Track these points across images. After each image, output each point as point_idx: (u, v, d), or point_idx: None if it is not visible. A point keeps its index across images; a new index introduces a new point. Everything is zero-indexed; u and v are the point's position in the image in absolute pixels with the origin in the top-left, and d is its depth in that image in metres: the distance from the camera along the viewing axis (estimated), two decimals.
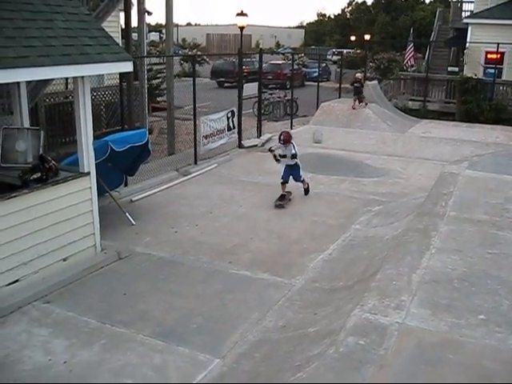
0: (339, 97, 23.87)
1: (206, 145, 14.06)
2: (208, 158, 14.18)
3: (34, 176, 7.63)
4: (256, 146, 15.86)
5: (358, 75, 21.57)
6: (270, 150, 11.28)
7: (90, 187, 7.96)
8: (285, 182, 11.15)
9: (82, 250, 7.88)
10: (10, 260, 6.96)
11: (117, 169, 10.16)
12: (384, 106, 21.88)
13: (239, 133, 15.78)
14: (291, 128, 18.99)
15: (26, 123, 8.83)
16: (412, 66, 29.85)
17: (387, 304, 5.60)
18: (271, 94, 22.95)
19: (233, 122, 15.36)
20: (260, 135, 17.02)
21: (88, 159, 7.89)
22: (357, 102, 20.21)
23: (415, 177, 13.33)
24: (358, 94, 20.34)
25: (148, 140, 9.81)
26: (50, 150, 11.17)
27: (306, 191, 11.61)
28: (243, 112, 16.10)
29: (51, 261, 7.50)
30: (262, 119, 17.85)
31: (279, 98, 22.83)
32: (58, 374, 5.61)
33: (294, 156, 11.17)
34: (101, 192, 8.68)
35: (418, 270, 6.32)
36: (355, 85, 20.64)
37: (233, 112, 15.35)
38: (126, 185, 11.32)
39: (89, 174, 7.91)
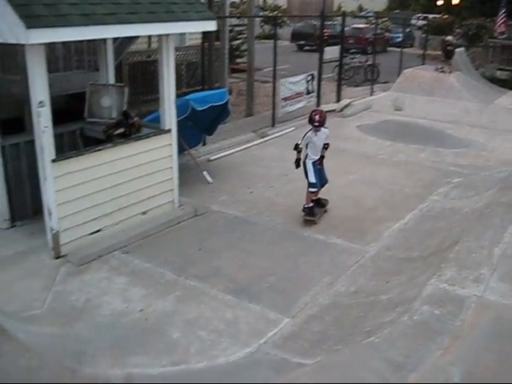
0: (423, 64, 23.06)
1: (285, 107, 13.99)
2: (286, 120, 14.12)
3: (118, 131, 7.87)
4: (334, 110, 15.64)
5: (450, 38, 20.73)
6: (297, 148, 8.44)
7: (171, 144, 8.13)
8: (315, 187, 8.48)
9: (160, 205, 8.10)
10: (94, 210, 7.25)
11: (196, 128, 10.29)
12: (470, 75, 21.01)
13: (318, 97, 15.60)
14: (371, 94, 18.60)
15: (111, 80, 9.05)
16: (503, 33, 28.33)
17: (465, 276, 5.48)
18: (352, 59, 22.45)
19: (312, 85, 15.18)
20: (339, 100, 16.78)
21: (170, 117, 8.03)
22: (445, 66, 19.52)
23: (500, 150, 12.82)
24: (449, 58, 19.60)
25: (228, 100, 9.87)
26: (131, 107, 11.45)
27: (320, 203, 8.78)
28: (322, 76, 15.88)
29: (131, 214, 7.76)
30: (342, 84, 17.56)
31: (360, 62, 22.32)
32: (135, 322, 5.85)
33: (326, 146, 8.48)
34: (180, 150, 8.84)
35: (500, 244, 6.13)
36: (448, 48, 19.87)
37: (312, 75, 15.16)
38: (204, 144, 11.51)
39: (170, 131, 8.07)
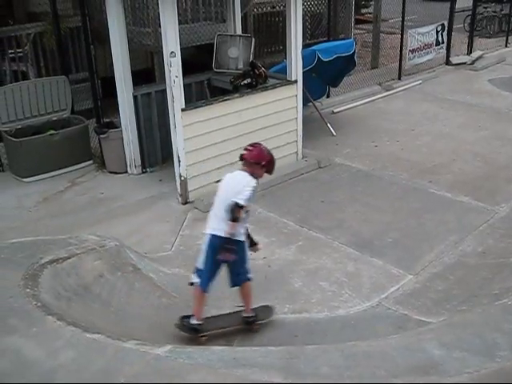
0: None
1: (412, 59, 13.45)
2: (412, 73, 13.59)
3: (245, 81, 7.95)
4: (465, 63, 14.80)
5: None
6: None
7: (296, 95, 8.11)
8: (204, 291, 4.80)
9: (284, 156, 8.13)
10: (220, 159, 7.42)
11: (321, 79, 10.17)
12: None
13: (448, 49, 14.81)
14: (506, 46, 17.39)
15: (238, 31, 9.11)
16: None
17: None
18: (486, 8, 21.00)
19: (442, 36, 14.42)
20: (470, 52, 15.84)
21: (296, 68, 7.99)
22: None
23: None
24: None
25: (355, 51, 9.63)
26: (256, 58, 11.50)
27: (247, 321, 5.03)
28: (453, 27, 15.03)
29: None
30: (474, 35, 16.54)
31: (494, 12, 20.83)
32: (258, 268, 5.95)
33: (231, 210, 4.49)
34: (304, 101, 8.79)
35: None
36: None
37: (443, 26, 14.38)
38: (328, 96, 11.37)
39: (296, 82, 8.04)
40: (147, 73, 10.60)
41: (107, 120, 8.37)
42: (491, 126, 10.23)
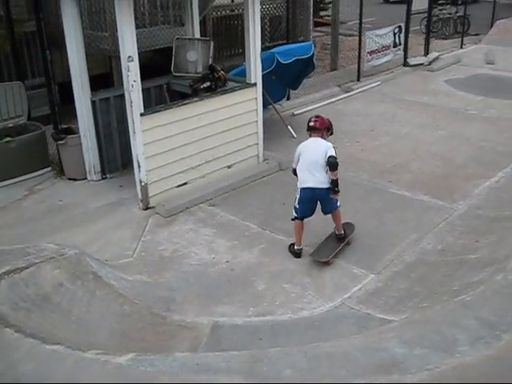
0: None
1: (370, 61, 13.63)
2: (371, 75, 13.76)
3: (204, 85, 7.93)
4: (422, 64, 15.05)
5: None
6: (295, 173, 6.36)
7: (256, 98, 8.12)
8: (303, 218, 6.30)
9: (245, 159, 8.16)
10: (181, 164, 7.41)
11: (280, 82, 10.21)
12: None
13: (405, 50, 15.04)
14: (461, 47, 17.76)
15: (197, 35, 9.09)
16: None
17: None
18: (441, 10, 21.41)
19: (399, 38, 14.65)
20: (427, 53, 16.12)
21: (255, 70, 8.01)
22: None
23: None
24: None
25: (314, 53, 9.69)
26: (215, 62, 11.47)
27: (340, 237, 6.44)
28: (410, 28, 15.27)
29: (216, 167, 7.87)
30: (430, 37, 16.84)
31: (450, 14, 21.25)
32: (221, 272, 5.99)
33: (332, 165, 5.96)
34: (264, 104, 8.80)
35: None
36: None
37: (400, 27, 14.60)
38: (288, 98, 11.42)
39: (255, 84, 8.05)
40: (105, 77, 10.47)
41: (65, 126, 8.23)
42: (448, 126, 10.43)
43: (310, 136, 6.33)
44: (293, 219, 6.28)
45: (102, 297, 5.29)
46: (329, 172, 6.02)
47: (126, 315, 5.22)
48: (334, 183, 6.01)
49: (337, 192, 6.06)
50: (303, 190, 6.12)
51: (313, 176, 6.04)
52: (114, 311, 5.21)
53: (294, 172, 6.33)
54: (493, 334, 3.78)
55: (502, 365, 3.59)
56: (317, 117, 6.44)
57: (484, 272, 5.20)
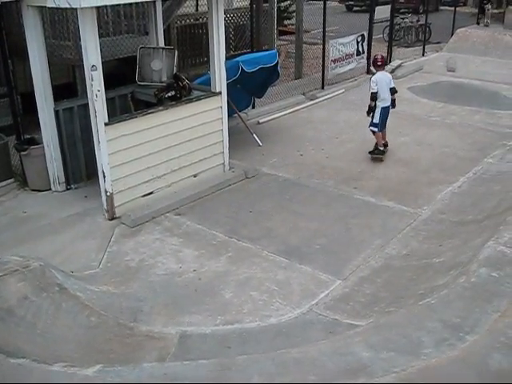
0: (477, 23, 22.22)
1: (334, 69, 13.78)
2: (335, 83, 13.93)
3: (169, 94, 7.92)
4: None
5: None
6: (372, 98, 9.12)
7: (221, 107, 8.13)
8: (376, 127, 9.24)
9: (211, 168, 8.16)
10: (146, 173, 7.37)
11: (245, 90, 10.25)
12: None
13: (368, 58, 15.24)
14: (423, 55, 18.11)
15: (161, 44, 9.06)
16: None
17: None
18: (403, 19, 21.78)
19: (362, 46, 14.86)
20: (390, 61, 16.36)
21: (220, 79, 8.02)
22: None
23: None
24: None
25: (278, 62, 9.76)
26: (180, 71, 11.46)
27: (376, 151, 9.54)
28: (373, 37, 15.51)
29: (182, 176, 7.85)
30: (393, 45, 17.11)
31: (411, 22, 21.62)
32: (188, 282, 5.96)
33: (395, 91, 9.23)
34: (229, 113, 8.82)
35: None
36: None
37: (363, 36, 14.82)
38: (253, 107, 11.47)
39: (220, 93, 8.07)
40: (69, 87, 10.36)
41: (28, 136, 8.12)
42: (411, 132, 10.62)
43: (377, 71, 9.21)
44: (374, 132, 9.08)
45: (68, 309, 5.21)
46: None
47: (92, 327, 5.14)
48: (394, 102, 9.14)
49: (395, 106, 9.26)
50: (384, 108, 8.99)
51: (389, 97, 8.99)
52: (81, 323, 5.13)
53: (375, 96, 8.93)
54: (457, 335, 3.86)
55: (467, 366, 3.65)
56: (382, 57, 9.33)
57: (448, 275, 5.29)
